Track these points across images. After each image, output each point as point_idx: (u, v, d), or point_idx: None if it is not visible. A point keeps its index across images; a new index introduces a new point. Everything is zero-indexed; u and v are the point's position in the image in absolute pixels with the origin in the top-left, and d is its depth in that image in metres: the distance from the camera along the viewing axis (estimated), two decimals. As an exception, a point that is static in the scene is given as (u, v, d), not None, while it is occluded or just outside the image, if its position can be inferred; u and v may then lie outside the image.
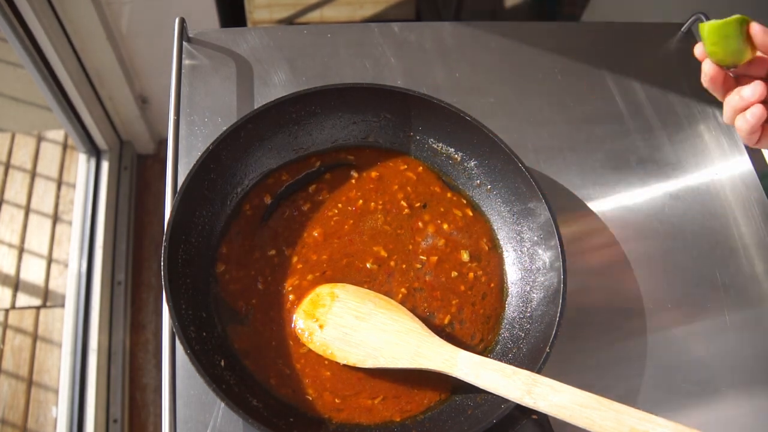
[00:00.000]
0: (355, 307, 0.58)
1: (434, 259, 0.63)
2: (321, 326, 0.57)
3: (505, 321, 0.61)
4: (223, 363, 0.54)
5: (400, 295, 0.61)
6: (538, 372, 0.51)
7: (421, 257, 0.63)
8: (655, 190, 0.72)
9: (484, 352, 0.59)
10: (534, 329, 0.58)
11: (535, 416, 0.52)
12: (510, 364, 0.57)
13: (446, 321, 0.60)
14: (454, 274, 0.62)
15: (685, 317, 0.65)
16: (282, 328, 0.59)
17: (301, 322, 0.58)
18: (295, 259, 0.62)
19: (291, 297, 0.60)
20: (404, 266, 0.62)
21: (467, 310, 0.61)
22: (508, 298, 0.62)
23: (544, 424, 0.52)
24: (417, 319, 0.57)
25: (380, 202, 0.65)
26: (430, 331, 0.56)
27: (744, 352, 0.63)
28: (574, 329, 0.61)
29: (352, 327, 0.57)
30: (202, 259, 0.59)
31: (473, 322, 0.60)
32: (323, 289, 0.60)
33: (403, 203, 0.65)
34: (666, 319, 0.65)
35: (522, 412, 0.52)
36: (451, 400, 0.57)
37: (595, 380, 0.61)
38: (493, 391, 0.51)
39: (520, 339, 0.59)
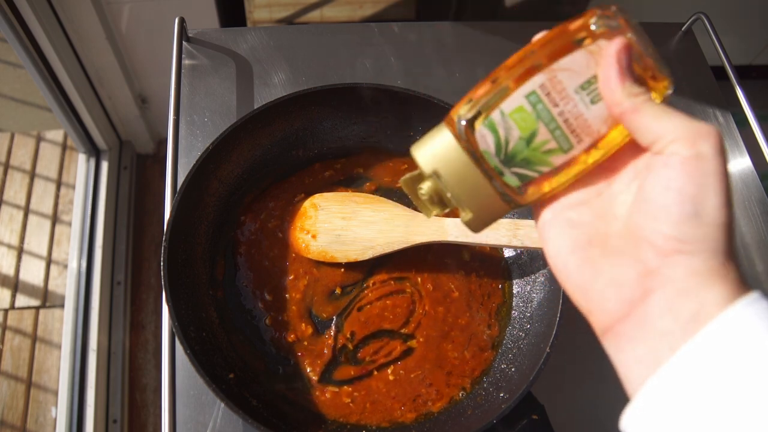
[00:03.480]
0: (339, 210, 0.61)
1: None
2: (314, 236, 0.60)
3: (508, 320, 0.61)
4: (222, 363, 0.54)
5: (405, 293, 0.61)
6: (538, 372, 0.51)
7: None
8: (656, 190, 0.72)
9: (492, 348, 0.59)
10: (534, 329, 0.58)
11: (535, 416, 0.52)
12: (510, 364, 0.57)
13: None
14: (460, 273, 0.62)
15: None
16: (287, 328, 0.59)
17: (296, 236, 0.61)
18: (295, 258, 0.62)
19: (296, 296, 0.60)
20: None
21: (474, 308, 0.61)
22: (510, 298, 0.62)
23: (545, 424, 0.52)
24: (398, 204, 0.60)
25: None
26: (413, 210, 0.59)
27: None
28: (572, 328, 0.61)
29: (342, 228, 0.60)
30: (202, 259, 0.59)
31: (481, 320, 0.60)
32: (306, 203, 0.62)
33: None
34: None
35: (522, 412, 0.52)
36: (451, 401, 0.57)
37: (594, 379, 0.61)
38: (484, 243, 0.56)
39: (520, 339, 0.59)
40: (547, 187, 0.32)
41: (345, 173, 0.66)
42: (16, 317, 1.48)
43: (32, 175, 1.65)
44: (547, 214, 0.33)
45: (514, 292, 0.62)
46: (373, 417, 0.56)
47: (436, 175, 0.32)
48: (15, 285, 1.51)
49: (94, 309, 1.41)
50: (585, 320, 0.66)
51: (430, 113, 0.64)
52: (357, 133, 0.67)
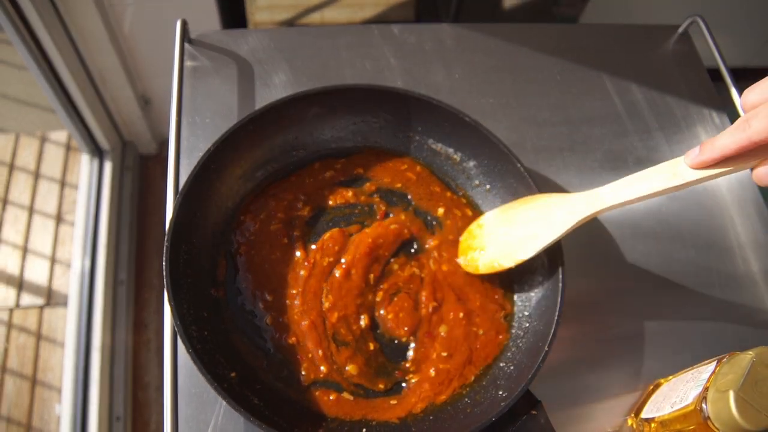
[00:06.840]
0: (502, 220, 0.61)
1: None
2: (481, 250, 0.61)
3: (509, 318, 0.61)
4: (224, 361, 0.55)
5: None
6: (536, 370, 0.52)
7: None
8: (653, 190, 0.72)
9: (507, 331, 0.60)
10: (533, 328, 0.58)
11: (534, 411, 0.52)
12: (509, 362, 0.58)
13: (460, 315, 0.61)
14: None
15: (682, 316, 0.66)
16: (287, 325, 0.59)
17: (462, 259, 0.63)
18: (300, 256, 0.62)
19: (293, 291, 0.60)
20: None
21: (484, 293, 0.62)
22: (511, 297, 0.62)
23: (544, 422, 0.52)
24: (550, 193, 0.59)
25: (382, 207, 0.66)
26: (563, 193, 0.57)
27: (742, 349, 0.64)
28: (571, 326, 0.62)
29: (506, 234, 0.60)
30: (203, 258, 0.60)
31: (488, 319, 0.61)
32: (471, 226, 0.64)
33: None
34: (663, 318, 0.65)
35: (520, 408, 0.52)
36: (450, 399, 0.57)
37: (592, 375, 0.62)
38: (645, 194, 0.49)
39: (519, 337, 0.59)
40: None
41: (345, 173, 0.67)
42: (21, 316, 1.49)
43: (36, 175, 1.66)
44: None
45: (515, 290, 0.62)
46: (373, 414, 0.56)
47: None
48: (20, 284, 1.52)
49: (98, 308, 1.42)
50: (584, 319, 0.67)
51: (429, 114, 0.65)
52: (357, 133, 0.67)
